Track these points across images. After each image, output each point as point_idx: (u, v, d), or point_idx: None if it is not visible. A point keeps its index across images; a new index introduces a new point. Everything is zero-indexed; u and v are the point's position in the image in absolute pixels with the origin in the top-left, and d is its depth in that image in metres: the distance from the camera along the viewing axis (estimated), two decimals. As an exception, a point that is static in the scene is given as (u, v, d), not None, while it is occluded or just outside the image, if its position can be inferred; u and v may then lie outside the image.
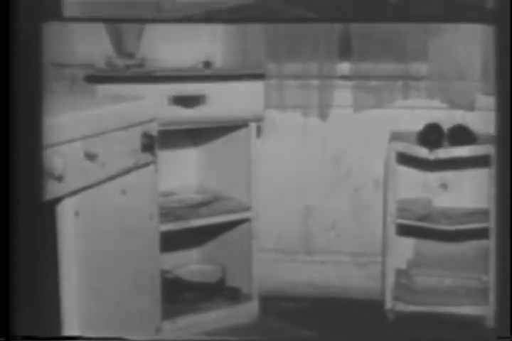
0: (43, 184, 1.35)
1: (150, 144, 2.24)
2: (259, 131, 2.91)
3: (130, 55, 2.78)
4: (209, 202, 2.83)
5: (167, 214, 2.66)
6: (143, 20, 2.76)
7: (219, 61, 2.92)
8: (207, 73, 2.74)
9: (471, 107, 2.88)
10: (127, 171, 2.19)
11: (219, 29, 2.93)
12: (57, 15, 2.56)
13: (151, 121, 2.29)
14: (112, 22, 2.74)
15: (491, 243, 2.69)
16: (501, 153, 1.32)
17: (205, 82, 2.66)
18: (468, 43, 2.82)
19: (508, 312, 1.28)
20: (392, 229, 2.77)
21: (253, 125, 2.77)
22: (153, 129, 2.29)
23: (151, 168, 2.31)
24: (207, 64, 2.82)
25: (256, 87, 2.72)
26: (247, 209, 2.80)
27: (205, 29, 2.89)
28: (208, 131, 2.88)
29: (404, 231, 2.89)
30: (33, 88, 1.23)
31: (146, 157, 2.27)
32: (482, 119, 2.81)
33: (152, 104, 2.32)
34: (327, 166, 3.07)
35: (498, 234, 1.34)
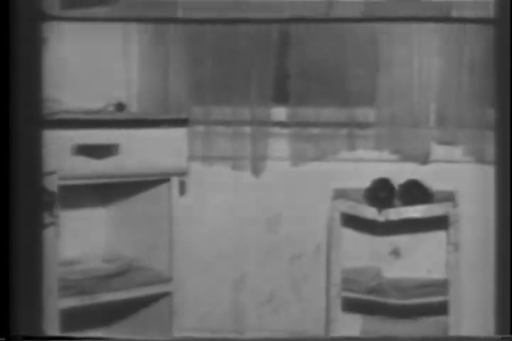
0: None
1: (49, 202, 2.26)
2: (182, 187, 2.88)
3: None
4: (121, 272, 2.79)
5: (69, 287, 2.61)
6: (143, 20, 2.88)
7: (134, 103, 2.94)
8: (119, 117, 2.73)
9: (425, 159, 2.91)
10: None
11: (134, 64, 2.95)
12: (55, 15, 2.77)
13: (51, 174, 2.29)
14: (112, 22, 2.86)
15: (450, 319, 2.69)
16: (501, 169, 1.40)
17: (118, 129, 2.64)
18: (423, 84, 2.86)
19: (508, 312, 1.35)
20: (337, 304, 2.76)
21: (175, 180, 2.74)
22: (53, 184, 2.30)
23: (51, 230, 2.31)
24: (119, 106, 2.83)
25: (178, 134, 2.71)
26: (168, 280, 2.77)
27: (117, 64, 2.93)
28: (120, 186, 2.84)
29: (350, 305, 2.86)
30: (32, 92, 1.33)
31: (44, 218, 2.24)
32: (438, 173, 2.85)
33: (51, 153, 2.19)
34: (261, 229, 3.06)
35: (498, 233, 1.43)
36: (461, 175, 2.88)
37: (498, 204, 1.43)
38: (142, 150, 2.64)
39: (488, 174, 2.86)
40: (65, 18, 2.81)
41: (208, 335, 3.07)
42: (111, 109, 2.81)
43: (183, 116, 2.76)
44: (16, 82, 1.28)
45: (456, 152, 2.87)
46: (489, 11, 2.69)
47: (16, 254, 1.30)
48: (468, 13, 2.74)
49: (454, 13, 2.72)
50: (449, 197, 2.73)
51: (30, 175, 1.34)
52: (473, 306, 2.88)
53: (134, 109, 2.91)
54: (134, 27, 2.94)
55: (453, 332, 2.67)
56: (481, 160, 2.85)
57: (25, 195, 1.31)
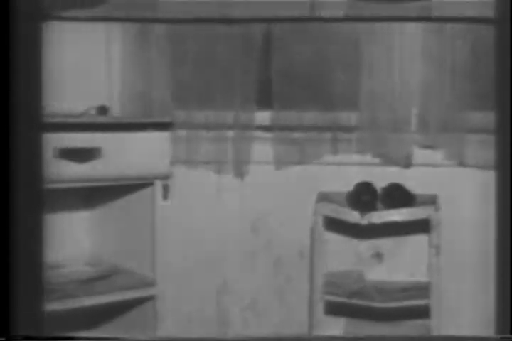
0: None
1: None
2: (165, 191, 2.84)
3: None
4: (104, 276, 2.79)
5: (52, 290, 2.60)
6: (143, 20, 2.85)
7: (117, 107, 2.93)
8: (102, 121, 2.71)
9: (407, 163, 2.91)
10: None
11: (117, 67, 2.94)
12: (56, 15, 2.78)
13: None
14: (112, 22, 2.85)
15: (432, 323, 2.69)
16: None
17: (100, 132, 2.62)
18: (404, 88, 2.86)
19: (508, 312, 1.35)
20: (319, 308, 2.75)
21: (158, 183, 2.73)
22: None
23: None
24: (102, 110, 2.81)
25: (161, 138, 2.70)
26: (151, 284, 2.75)
27: (100, 66, 2.92)
28: (103, 190, 2.83)
29: (333, 309, 2.86)
30: (32, 89, 1.31)
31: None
32: (420, 177, 2.86)
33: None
34: (245, 233, 3.05)
35: (498, 230, 1.43)
36: (442, 179, 2.88)
37: (498, 208, 1.43)
38: (125, 153, 2.63)
39: (469, 177, 2.90)
40: (65, 18, 2.80)
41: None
42: (93, 112, 2.80)
43: (166, 119, 2.75)
44: (16, 83, 1.28)
45: (438, 156, 2.87)
46: (476, 11, 2.69)
47: (15, 254, 1.29)
48: (449, 13, 2.73)
49: (437, 13, 2.72)
50: (431, 201, 2.73)
51: (30, 176, 1.34)
52: (454, 308, 2.90)
53: (116, 113, 2.89)
54: (117, 28, 2.93)
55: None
56: (462, 163, 2.86)
57: (25, 197, 1.31)
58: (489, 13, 2.66)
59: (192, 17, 2.84)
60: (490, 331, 2.88)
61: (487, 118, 2.84)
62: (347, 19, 2.80)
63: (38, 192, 1.35)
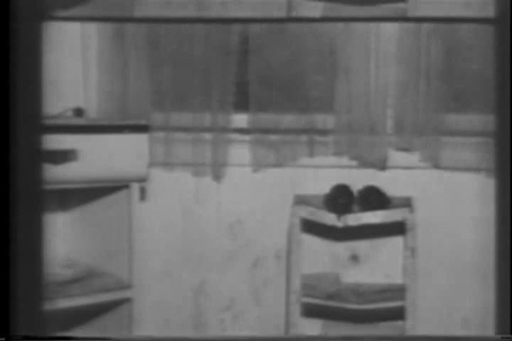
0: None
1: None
2: (142, 193, 2.84)
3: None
4: (80, 278, 2.78)
5: None
6: (143, 20, 2.84)
7: (93, 108, 2.90)
8: (78, 123, 2.70)
9: (382, 165, 2.92)
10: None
11: (93, 69, 2.91)
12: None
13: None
14: (112, 22, 2.85)
15: (407, 324, 2.69)
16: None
17: (76, 134, 2.61)
18: (380, 90, 2.87)
19: (508, 312, 1.36)
20: (296, 309, 2.74)
21: (135, 186, 2.73)
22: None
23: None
24: (78, 111, 2.80)
25: (139, 140, 2.69)
26: (127, 287, 2.75)
27: (76, 68, 2.89)
28: (79, 192, 2.81)
29: (310, 311, 2.85)
30: (32, 89, 1.31)
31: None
32: (395, 179, 2.86)
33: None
34: (222, 235, 3.03)
35: (498, 231, 1.42)
36: (417, 181, 2.89)
37: (498, 210, 1.42)
38: (102, 155, 2.62)
39: (444, 179, 2.92)
40: (65, 18, 2.80)
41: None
42: (69, 114, 2.78)
43: (143, 121, 2.75)
44: (16, 83, 1.27)
45: (413, 158, 2.88)
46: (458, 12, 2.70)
47: (15, 254, 1.29)
48: (425, 14, 2.74)
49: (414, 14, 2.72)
50: (406, 203, 2.74)
51: (29, 176, 1.34)
52: (429, 310, 2.92)
53: (92, 115, 2.87)
54: (93, 29, 2.91)
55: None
56: (437, 165, 2.86)
57: (25, 196, 1.30)
58: (467, 13, 2.69)
59: (169, 18, 2.84)
60: (465, 331, 2.91)
61: (462, 120, 2.87)
62: (324, 20, 2.80)
63: (38, 192, 1.35)
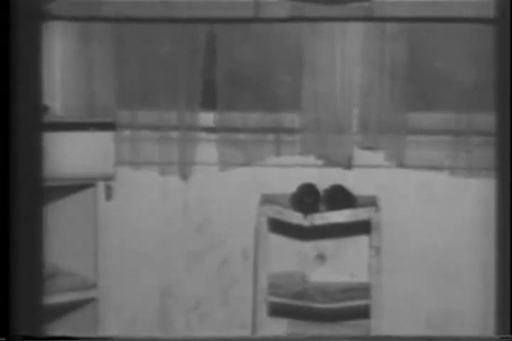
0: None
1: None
2: (108, 192, 2.84)
3: None
4: (46, 277, 2.65)
5: None
6: (143, 20, 2.85)
7: (59, 106, 2.89)
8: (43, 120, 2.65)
9: (348, 164, 2.93)
10: None
11: (58, 66, 2.90)
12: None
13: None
14: (112, 22, 2.84)
15: (372, 323, 2.71)
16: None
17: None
18: (346, 89, 2.88)
19: (508, 312, 1.37)
20: (263, 309, 2.76)
21: (101, 185, 2.73)
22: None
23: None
24: (43, 109, 2.69)
25: (104, 138, 2.69)
26: (93, 286, 2.75)
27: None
28: (44, 191, 2.74)
29: (276, 310, 2.86)
30: (32, 88, 1.32)
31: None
32: (361, 178, 2.88)
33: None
34: (189, 235, 3.03)
35: (498, 232, 1.44)
36: (382, 180, 2.91)
37: (498, 210, 1.43)
38: (67, 154, 2.61)
39: (409, 178, 2.94)
40: (65, 18, 2.80)
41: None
42: (35, 111, 2.79)
43: (109, 119, 2.74)
44: (16, 83, 1.27)
45: (378, 157, 2.90)
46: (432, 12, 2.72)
47: (15, 254, 1.29)
48: (391, 13, 2.76)
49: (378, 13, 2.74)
50: (372, 202, 2.76)
51: (30, 175, 1.34)
52: (394, 308, 2.95)
53: (58, 112, 2.85)
54: (58, 26, 2.90)
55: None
56: (401, 164, 2.88)
57: (25, 195, 1.31)
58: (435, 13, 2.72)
59: (136, 16, 2.83)
60: (430, 331, 2.94)
61: (427, 119, 2.89)
62: (290, 19, 2.81)
63: (38, 189, 1.36)
